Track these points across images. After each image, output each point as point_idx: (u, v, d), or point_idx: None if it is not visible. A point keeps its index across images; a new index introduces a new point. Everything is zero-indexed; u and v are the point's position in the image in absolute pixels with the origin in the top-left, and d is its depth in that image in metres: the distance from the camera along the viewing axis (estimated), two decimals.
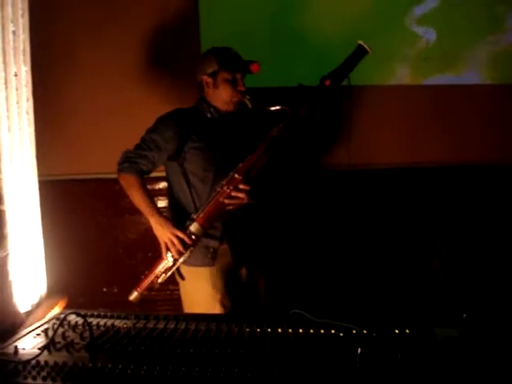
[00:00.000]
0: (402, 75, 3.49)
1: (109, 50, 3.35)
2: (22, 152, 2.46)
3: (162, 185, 3.35)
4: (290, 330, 1.91)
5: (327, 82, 2.69)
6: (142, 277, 2.64)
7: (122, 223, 3.45)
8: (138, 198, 2.67)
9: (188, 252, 2.60)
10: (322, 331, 1.89)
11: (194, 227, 2.60)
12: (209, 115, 2.76)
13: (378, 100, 3.46)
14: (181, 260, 2.61)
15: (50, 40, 3.25)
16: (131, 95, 3.36)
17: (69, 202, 3.39)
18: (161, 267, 2.61)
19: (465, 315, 1.77)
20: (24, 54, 2.47)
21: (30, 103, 2.52)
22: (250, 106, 2.68)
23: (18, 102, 2.42)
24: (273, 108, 2.63)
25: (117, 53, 3.35)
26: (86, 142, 3.36)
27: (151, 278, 2.62)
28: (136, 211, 2.74)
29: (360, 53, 2.68)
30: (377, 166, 3.48)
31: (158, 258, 2.62)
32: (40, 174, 2.64)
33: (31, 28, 2.52)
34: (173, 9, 3.41)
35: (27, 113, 2.50)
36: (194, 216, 2.62)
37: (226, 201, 2.60)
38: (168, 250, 2.59)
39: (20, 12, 2.43)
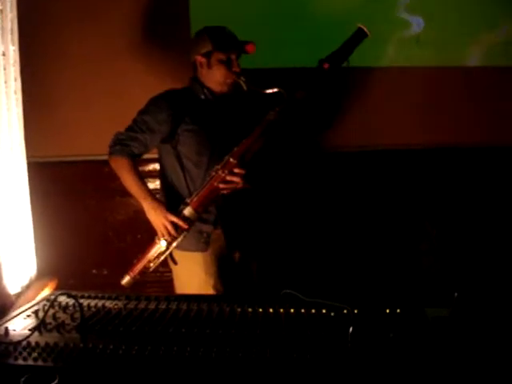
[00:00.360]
0: (396, 57, 3.47)
1: (99, 31, 3.31)
2: (10, 132, 2.43)
3: (152, 167, 3.33)
4: (282, 310, 1.91)
5: (326, 65, 2.63)
6: (135, 261, 2.60)
7: (112, 205, 3.44)
8: (129, 181, 2.62)
9: (181, 236, 2.57)
10: (314, 311, 1.90)
11: (187, 211, 2.57)
12: (202, 96, 2.70)
13: (373, 81, 3.45)
14: (174, 244, 2.58)
15: (38, 19, 3.21)
16: (121, 77, 3.33)
17: (58, 184, 3.36)
18: (154, 251, 2.58)
19: (456, 294, 1.78)
20: (12, 33, 2.43)
21: (18, 83, 2.49)
22: (245, 87, 2.62)
23: (5, 82, 2.39)
24: (268, 90, 2.57)
25: (107, 34, 3.32)
26: (75, 123, 3.33)
27: (144, 262, 2.58)
28: (126, 193, 2.70)
29: (359, 36, 2.64)
30: (370, 147, 3.48)
31: (151, 241, 2.59)
32: (29, 156, 2.62)
33: (19, 7, 2.49)
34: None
35: (15, 92, 2.46)
36: (188, 200, 2.59)
37: (221, 185, 2.57)
38: (161, 233, 2.56)
39: None
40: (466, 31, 3.46)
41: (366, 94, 3.45)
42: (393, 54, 3.47)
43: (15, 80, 2.47)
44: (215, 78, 2.66)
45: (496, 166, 3.51)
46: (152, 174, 3.31)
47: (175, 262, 2.68)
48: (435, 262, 3.43)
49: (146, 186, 2.64)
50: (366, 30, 2.63)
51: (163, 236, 2.56)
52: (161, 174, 2.80)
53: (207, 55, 2.65)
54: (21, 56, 2.52)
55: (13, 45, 2.44)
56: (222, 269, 2.69)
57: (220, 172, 2.56)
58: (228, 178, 2.56)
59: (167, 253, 2.59)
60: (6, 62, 2.39)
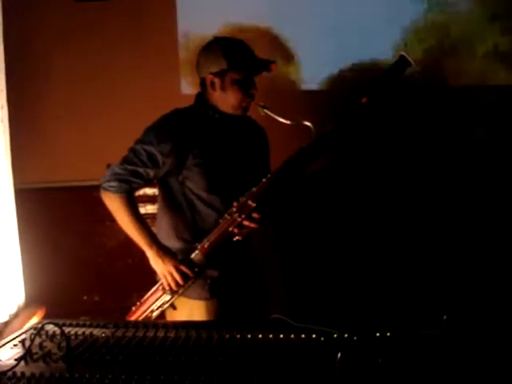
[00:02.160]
0: None
1: (87, 57, 3.33)
2: None
3: (143, 191, 3.31)
4: (271, 336, 1.88)
5: (364, 100, 2.31)
6: (133, 308, 2.45)
7: (102, 231, 3.42)
8: (130, 226, 2.37)
9: (188, 284, 2.38)
10: (303, 336, 1.88)
11: (196, 257, 2.34)
12: (214, 122, 2.42)
13: None
14: (179, 293, 2.38)
15: (25, 46, 3.22)
16: (110, 102, 3.34)
17: (46, 210, 3.36)
18: (157, 301, 2.40)
19: (445, 317, 1.77)
20: None
21: (5, 110, 2.49)
22: (262, 113, 2.36)
23: None
24: (292, 122, 2.31)
25: (95, 60, 3.33)
26: (63, 149, 3.34)
27: (145, 311, 2.41)
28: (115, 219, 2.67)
29: (402, 65, 2.33)
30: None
31: (154, 289, 2.44)
32: (17, 182, 2.61)
33: (6, 34, 2.49)
34: (151, 20, 3.39)
35: (2, 120, 2.47)
36: (198, 245, 2.35)
37: (236, 230, 2.31)
38: (168, 283, 2.35)
39: None
40: None
41: None
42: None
43: (1, 108, 2.47)
44: (229, 101, 2.38)
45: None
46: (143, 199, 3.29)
47: (174, 307, 2.44)
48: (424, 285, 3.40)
49: (149, 230, 2.40)
50: (409, 58, 2.31)
51: (170, 286, 2.36)
52: (162, 209, 2.54)
53: (220, 74, 2.35)
54: (8, 82, 2.52)
55: None
56: (226, 316, 2.45)
57: (236, 216, 2.30)
58: (245, 223, 2.31)
59: (171, 302, 2.41)
60: None
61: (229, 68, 2.32)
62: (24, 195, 2.75)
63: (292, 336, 1.88)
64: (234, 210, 2.32)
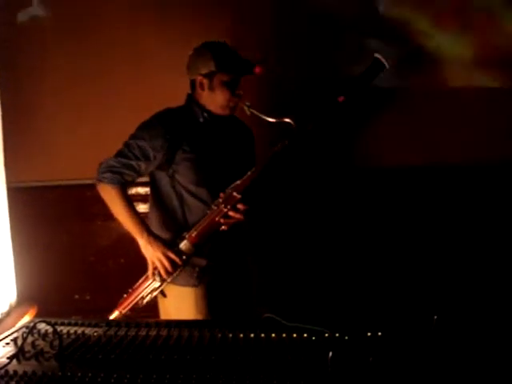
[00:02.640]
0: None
1: (82, 54, 3.33)
2: None
3: (135, 190, 3.31)
4: (263, 335, 1.89)
5: (340, 98, 2.49)
6: (125, 296, 2.54)
7: (94, 230, 3.42)
8: (122, 214, 2.49)
9: (177, 272, 2.48)
10: (295, 335, 1.89)
11: (184, 246, 2.47)
12: (201, 120, 2.55)
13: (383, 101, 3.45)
14: (168, 280, 2.49)
15: (22, 44, 3.21)
16: (104, 100, 3.34)
17: (39, 209, 3.36)
18: (147, 287, 2.50)
19: (435, 317, 1.78)
20: None
21: None
22: (248, 113, 2.49)
23: None
24: (275, 119, 2.43)
25: (90, 58, 3.33)
26: (56, 148, 3.34)
27: (135, 298, 2.50)
28: (107, 217, 2.68)
29: (376, 67, 2.48)
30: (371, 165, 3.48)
31: (143, 277, 2.53)
32: (9, 181, 2.60)
33: (3, 31, 2.49)
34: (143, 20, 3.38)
35: None
36: (186, 234, 2.47)
37: (222, 220, 2.45)
38: (157, 270, 2.46)
39: None
40: None
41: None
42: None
43: None
44: (217, 100, 2.51)
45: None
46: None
47: (164, 295, 2.55)
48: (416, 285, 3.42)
49: (141, 219, 2.51)
50: (383, 60, 2.46)
51: (158, 272, 2.46)
52: (153, 201, 2.65)
53: (209, 76, 2.49)
54: (0, 79, 2.52)
55: None
56: (213, 303, 2.57)
57: (222, 207, 2.44)
58: (231, 213, 2.44)
59: (160, 289, 2.51)
60: None
61: (217, 70, 2.47)
62: (16, 193, 2.73)
63: (284, 335, 1.89)
64: (221, 201, 2.45)
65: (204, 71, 2.49)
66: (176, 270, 2.48)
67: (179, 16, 3.31)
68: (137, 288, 2.53)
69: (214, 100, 2.52)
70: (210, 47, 2.51)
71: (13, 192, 2.63)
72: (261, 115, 2.46)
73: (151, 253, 2.46)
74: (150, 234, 2.49)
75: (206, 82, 2.51)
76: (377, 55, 2.49)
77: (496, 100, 3.44)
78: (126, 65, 3.36)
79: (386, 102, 3.42)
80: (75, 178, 3.22)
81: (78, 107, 3.35)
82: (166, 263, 2.44)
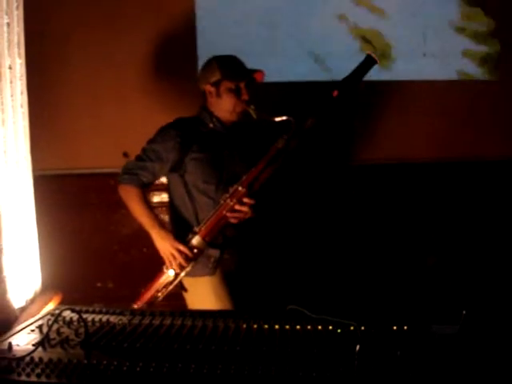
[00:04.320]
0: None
1: (104, 45, 3.34)
2: (16, 146, 2.43)
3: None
4: (288, 327, 1.89)
5: (335, 93, 2.61)
6: (142, 290, 2.61)
7: (117, 218, 3.43)
8: (138, 211, 2.64)
9: (190, 265, 2.57)
10: (320, 327, 1.88)
11: (195, 240, 2.57)
12: (211, 125, 2.72)
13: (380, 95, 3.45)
14: (182, 274, 2.58)
15: (44, 33, 3.23)
16: (126, 90, 3.35)
17: (64, 197, 3.37)
18: (161, 281, 2.59)
19: (464, 312, 1.76)
20: (18, 47, 2.44)
21: (25, 96, 2.49)
22: (254, 116, 2.64)
23: (12, 95, 2.38)
24: (278, 118, 2.58)
25: (112, 48, 3.34)
26: (80, 136, 3.35)
27: (152, 292, 2.60)
28: None
29: (368, 63, 2.63)
30: (373, 161, 3.47)
31: (159, 271, 2.60)
32: (34, 169, 2.61)
33: (26, 20, 2.49)
34: (169, 8, 3.38)
35: (21, 106, 2.46)
36: (197, 229, 2.59)
37: (229, 214, 2.57)
38: (169, 263, 2.57)
39: (15, 4, 2.40)
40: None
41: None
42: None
43: (22, 93, 2.47)
44: (224, 106, 2.68)
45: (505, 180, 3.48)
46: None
47: (185, 289, 2.68)
48: (443, 276, 3.40)
49: (155, 216, 2.66)
50: (375, 57, 2.62)
51: (171, 265, 2.56)
52: (170, 204, 2.80)
53: (216, 84, 2.67)
54: (27, 69, 2.52)
55: (19, 58, 2.44)
56: (232, 290, 2.67)
57: (228, 201, 2.57)
58: (236, 207, 2.57)
59: (175, 282, 2.60)
60: (12, 76, 2.39)
61: (222, 78, 2.66)
62: (42, 182, 2.75)
63: (309, 327, 1.88)
64: (227, 196, 2.58)
65: (211, 80, 2.68)
66: (189, 264, 2.57)
67: None
68: (153, 282, 2.61)
69: (222, 106, 2.69)
70: (216, 59, 2.71)
71: (38, 180, 2.65)
72: (266, 116, 2.61)
73: (163, 246, 2.58)
74: (162, 228, 2.63)
75: (213, 89, 2.69)
76: (369, 52, 2.67)
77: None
78: (149, 53, 3.35)
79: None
80: (99, 167, 3.23)
81: (100, 97, 3.36)
82: (177, 255, 2.54)
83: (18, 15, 2.43)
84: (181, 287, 2.68)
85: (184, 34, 3.38)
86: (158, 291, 2.60)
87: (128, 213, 3.30)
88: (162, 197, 3.28)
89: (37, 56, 2.87)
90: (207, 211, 2.62)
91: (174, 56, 3.35)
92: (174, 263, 2.55)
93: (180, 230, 2.67)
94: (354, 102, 3.19)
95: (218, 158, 2.68)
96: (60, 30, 3.32)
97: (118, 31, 3.34)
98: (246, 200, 2.57)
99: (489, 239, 3.44)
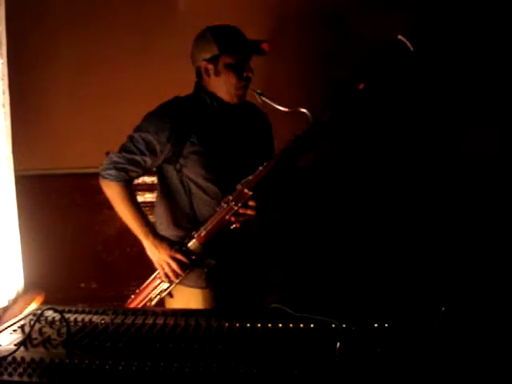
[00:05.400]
0: None
1: (88, 45, 3.32)
2: None
3: (142, 180, 3.31)
4: (270, 325, 1.89)
5: (361, 86, 2.26)
6: (132, 296, 2.47)
7: (101, 219, 3.42)
8: (127, 214, 2.39)
9: (185, 273, 2.39)
10: (302, 325, 1.88)
11: (193, 245, 2.36)
12: (211, 110, 2.41)
13: None
14: (177, 281, 2.40)
15: (27, 33, 3.21)
16: (110, 88, 3.33)
17: (47, 197, 3.36)
18: (155, 289, 2.42)
19: (443, 309, 1.78)
20: (0, 47, 2.43)
21: (7, 96, 2.49)
22: (259, 100, 2.36)
23: None
24: (288, 109, 2.28)
25: (95, 48, 3.32)
26: (63, 136, 3.34)
27: (143, 299, 2.43)
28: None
29: (399, 50, 2.23)
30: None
31: (150, 277, 2.46)
32: (17, 169, 2.60)
33: (8, 20, 2.48)
34: (155, 7, 3.36)
35: (3, 106, 2.46)
36: (195, 233, 2.36)
37: (233, 218, 2.33)
38: (164, 272, 2.38)
39: None
40: None
41: None
42: None
43: (3, 93, 2.46)
44: (224, 86, 2.37)
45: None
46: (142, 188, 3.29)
47: (171, 295, 2.47)
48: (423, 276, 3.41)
49: (147, 220, 2.41)
50: (407, 42, 2.21)
51: (165, 275, 2.38)
52: (160, 194, 2.53)
53: (213, 60, 2.34)
54: (10, 68, 2.51)
55: (1, 58, 2.44)
56: (222, 304, 2.46)
57: (232, 204, 2.31)
58: (241, 210, 2.32)
59: (169, 290, 2.43)
60: None
61: (220, 52, 2.32)
62: (24, 182, 2.74)
63: (291, 325, 1.89)
64: (231, 198, 2.33)
65: (207, 56, 2.35)
66: (185, 271, 2.39)
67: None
68: (144, 288, 2.45)
69: (221, 86, 2.37)
70: (211, 30, 2.37)
71: (20, 180, 2.64)
72: (273, 104, 2.32)
73: (157, 256, 2.37)
74: (156, 235, 2.40)
75: (210, 67, 2.37)
76: (400, 37, 2.23)
77: None
78: (132, 53, 3.34)
79: None
80: (82, 167, 3.22)
81: (84, 96, 3.34)
82: (174, 265, 2.35)
83: None
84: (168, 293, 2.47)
85: (170, 32, 3.36)
86: (150, 299, 2.43)
87: (112, 213, 3.29)
88: (146, 197, 3.29)
89: (19, 55, 2.86)
90: (206, 210, 2.40)
91: (159, 56, 3.34)
92: (169, 272, 2.36)
93: (174, 226, 2.47)
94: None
95: (221, 151, 2.39)
96: (44, 30, 3.30)
97: (103, 31, 3.32)
98: (251, 203, 2.31)
99: (470, 236, 3.46)
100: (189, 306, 2.42)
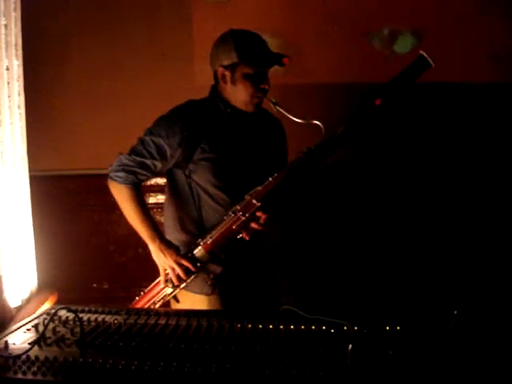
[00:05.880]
0: None
1: (103, 47, 3.34)
2: (13, 147, 2.44)
3: (154, 181, 3.33)
4: (282, 327, 1.90)
5: (378, 101, 2.20)
6: (137, 298, 2.46)
7: (113, 219, 3.43)
8: (134, 217, 2.35)
9: (190, 279, 2.36)
10: (314, 327, 1.89)
11: (199, 253, 2.32)
12: (225, 116, 2.38)
13: None
14: (181, 287, 2.37)
15: (42, 35, 3.24)
16: (123, 90, 3.35)
17: (60, 198, 3.38)
18: (159, 293, 2.40)
19: (455, 312, 1.78)
20: (16, 48, 2.45)
21: (22, 97, 2.50)
22: (274, 110, 2.31)
23: (9, 96, 2.39)
24: (303, 120, 2.24)
25: (111, 50, 3.35)
26: (77, 137, 3.36)
27: (147, 302, 2.41)
28: None
29: (421, 65, 2.19)
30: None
31: (156, 281, 2.44)
32: (31, 170, 2.62)
33: (24, 22, 2.50)
34: (167, 12, 3.38)
35: (19, 107, 2.48)
36: (201, 241, 2.32)
37: (242, 231, 2.28)
38: (169, 277, 2.35)
39: (12, 6, 2.41)
40: None
41: None
42: None
43: (19, 94, 2.48)
44: (240, 96, 2.33)
45: None
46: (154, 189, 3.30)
47: (177, 300, 2.43)
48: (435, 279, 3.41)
49: (153, 223, 2.37)
50: (428, 58, 2.18)
51: (169, 280, 2.36)
52: (169, 198, 2.52)
53: (231, 68, 2.30)
54: (25, 70, 2.53)
55: (17, 59, 2.45)
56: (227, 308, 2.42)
57: (239, 214, 2.26)
58: (252, 225, 2.28)
59: (172, 295, 2.41)
60: (9, 77, 2.40)
61: (239, 61, 2.28)
62: (38, 182, 2.76)
63: (302, 327, 1.89)
64: (239, 208, 2.29)
65: (226, 62, 2.30)
66: (189, 277, 2.36)
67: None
68: (149, 292, 2.43)
69: (237, 94, 2.34)
70: (233, 36, 2.31)
71: (34, 180, 2.65)
72: (288, 114, 2.27)
73: (163, 260, 2.34)
74: (163, 240, 2.36)
75: (227, 74, 2.32)
76: (422, 52, 2.20)
77: None
78: (145, 55, 3.37)
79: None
80: (95, 168, 3.23)
81: (98, 97, 3.36)
82: (179, 271, 2.31)
83: (15, 17, 2.44)
84: (173, 297, 2.43)
85: (183, 36, 3.38)
86: (154, 303, 2.40)
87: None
88: (158, 198, 3.30)
89: (34, 56, 2.89)
90: (214, 218, 2.36)
91: (173, 58, 3.35)
92: (173, 277, 2.33)
93: (180, 230, 2.45)
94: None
95: (232, 158, 2.36)
96: (58, 32, 3.32)
97: (118, 33, 3.34)
98: (259, 214, 2.26)
99: (481, 240, 3.45)
100: None
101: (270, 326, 1.90)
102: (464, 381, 1.55)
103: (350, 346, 1.61)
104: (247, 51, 2.27)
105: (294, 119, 2.26)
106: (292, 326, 1.90)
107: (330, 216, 3.46)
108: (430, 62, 2.18)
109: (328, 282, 3.40)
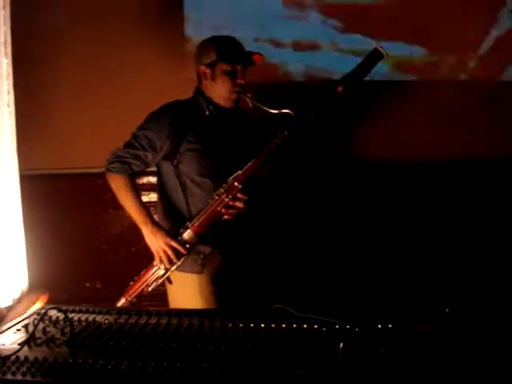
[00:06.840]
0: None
1: (93, 45, 3.33)
2: (2, 145, 2.42)
3: (147, 180, 3.32)
4: (273, 325, 1.90)
5: (339, 88, 2.48)
6: (131, 283, 2.58)
7: (105, 218, 3.43)
8: (129, 204, 2.56)
9: (180, 261, 2.53)
10: (305, 326, 1.89)
11: (187, 235, 2.51)
12: (207, 112, 2.61)
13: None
14: (173, 268, 2.54)
15: (32, 33, 3.22)
16: (115, 89, 3.34)
17: (51, 197, 3.37)
18: (151, 275, 2.55)
19: (447, 310, 1.77)
20: (5, 46, 2.42)
21: (11, 96, 2.48)
22: (250, 104, 2.55)
23: None
24: (276, 111, 2.48)
25: (101, 48, 3.33)
26: (68, 136, 3.34)
27: (141, 285, 2.56)
28: (119, 206, 2.65)
29: (375, 57, 2.49)
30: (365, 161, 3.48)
31: (148, 265, 2.56)
32: (21, 169, 2.60)
33: (13, 20, 2.49)
34: (157, 10, 3.39)
35: (8, 105, 2.45)
36: (189, 224, 2.52)
37: (224, 210, 2.49)
38: (160, 259, 2.51)
39: (1, 4, 2.39)
40: None
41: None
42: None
43: (8, 93, 2.45)
44: (219, 91, 2.58)
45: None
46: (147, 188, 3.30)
47: (170, 282, 2.61)
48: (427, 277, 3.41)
49: (147, 210, 2.57)
50: (382, 50, 2.48)
51: (161, 262, 2.51)
52: (159, 191, 2.71)
53: (211, 65, 2.56)
54: (15, 68, 2.52)
55: (6, 58, 2.43)
56: (217, 290, 2.61)
57: (223, 196, 2.49)
58: (231, 203, 2.49)
59: (165, 276, 2.56)
60: None
61: (218, 59, 2.55)
62: (29, 181, 2.74)
63: (294, 326, 1.90)
64: (222, 191, 2.51)
65: (207, 61, 2.57)
66: (179, 259, 2.53)
67: None
68: (142, 276, 2.58)
69: (217, 89, 2.59)
70: (213, 39, 2.61)
71: (25, 179, 2.64)
72: (263, 107, 2.51)
73: (154, 242, 2.52)
74: (154, 223, 2.55)
75: (208, 71, 2.58)
76: (376, 45, 2.52)
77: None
78: (138, 54, 3.36)
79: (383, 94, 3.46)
80: (87, 167, 3.23)
81: (88, 96, 3.35)
82: (170, 252, 2.50)
83: (4, 15, 2.41)
84: (166, 279, 2.59)
85: (173, 34, 3.37)
86: (147, 285, 2.56)
87: (117, 212, 3.32)
88: (150, 197, 3.29)
89: (24, 55, 2.86)
90: (201, 204, 2.55)
91: (163, 56, 3.35)
92: (164, 259, 2.50)
93: (171, 219, 2.63)
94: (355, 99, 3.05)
95: (215, 149, 2.57)
96: (48, 30, 3.31)
97: (107, 31, 3.33)
98: (240, 196, 2.49)
99: (474, 238, 3.46)
100: (185, 290, 2.60)
101: (262, 325, 1.91)
102: (456, 379, 1.55)
103: (342, 344, 1.60)
104: (225, 50, 2.56)
105: (268, 110, 2.50)
106: (283, 325, 1.90)
107: (321, 214, 3.46)
108: (384, 53, 2.48)
109: (319, 281, 3.40)
